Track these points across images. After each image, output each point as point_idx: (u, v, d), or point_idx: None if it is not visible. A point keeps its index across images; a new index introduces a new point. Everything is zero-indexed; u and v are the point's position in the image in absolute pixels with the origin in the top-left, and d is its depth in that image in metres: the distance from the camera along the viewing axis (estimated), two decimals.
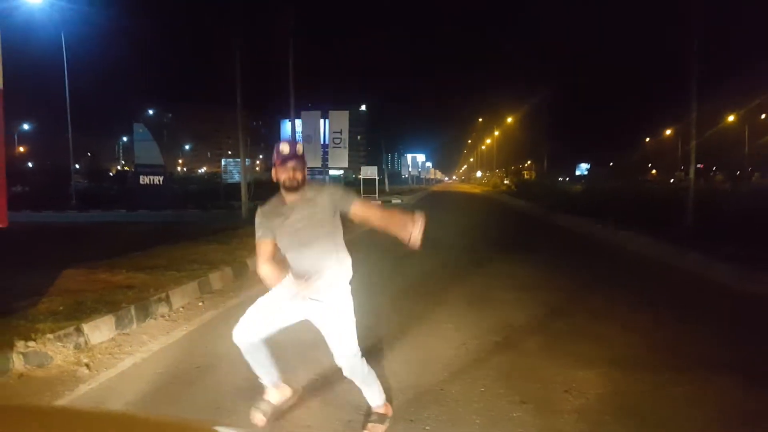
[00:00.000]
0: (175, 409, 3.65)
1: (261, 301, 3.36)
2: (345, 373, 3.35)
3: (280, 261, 3.32)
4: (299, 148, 3.20)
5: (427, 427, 3.44)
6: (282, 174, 3.14)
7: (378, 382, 3.46)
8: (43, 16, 24.76)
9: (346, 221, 3.27)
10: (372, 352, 4.82)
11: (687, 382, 4.20)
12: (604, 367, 4.49)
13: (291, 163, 3.11)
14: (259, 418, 3.38)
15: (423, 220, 3.05)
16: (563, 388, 4.08)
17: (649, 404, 3.81)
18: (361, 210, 3.17)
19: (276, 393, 3.52)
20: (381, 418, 3.40)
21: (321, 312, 3.25)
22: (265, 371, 3.45)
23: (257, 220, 3.27)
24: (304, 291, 3.10)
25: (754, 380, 4.24)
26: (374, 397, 3.43)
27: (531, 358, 4.76)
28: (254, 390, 3.90)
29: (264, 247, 3.24)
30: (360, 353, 3.34)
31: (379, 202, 32.25)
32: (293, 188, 3.15)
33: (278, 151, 3.15)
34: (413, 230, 3.04)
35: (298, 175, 3.13)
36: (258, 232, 3.25)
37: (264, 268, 3.28)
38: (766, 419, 3.62)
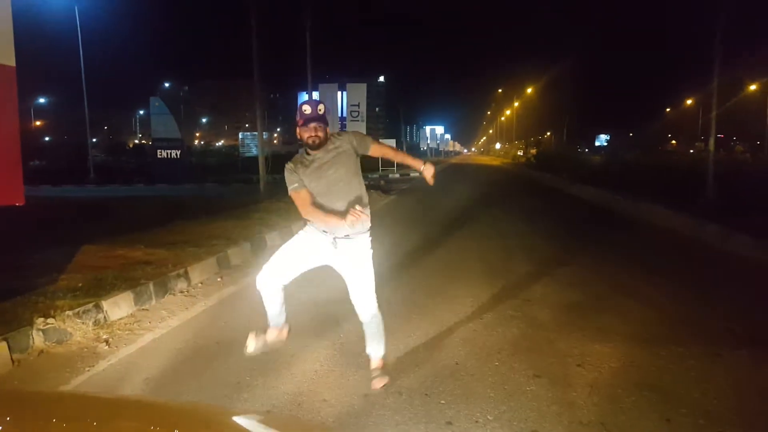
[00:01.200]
0: (195, 385, 3.72)
1: (285, 248, 3.61)
2: (365, 318, 3.62)
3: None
4: (321, 108, 3.43)
5: (442, 401, 3.46)
6: (305, 133, 3.38)
7: (385, 337, 3.72)
8: None
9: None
10: (391, 326, 4.84)
11: (702, 355, 4.18)
12: (618, 341, 4.49)
13: (313, 124, 3.36)
14: (251, 348, 3.65)
15: (433, 168, 3.66)
16: (577, 361, 4.08)
17: (663, 378, 3.80)
18: (378, 149, 3.62)
19: (275, 333, 3.77)
20: (383, 371, 3.65)
21: (347, 255, 3.51)
22: (277, 315, 3.71)
23: (287, 175, 3.46)
24: (356, 222, 3.25)
25: None
26: (380, 349, 3.69)
27: (546, 331, 4.76)
28: (272, 366, 3.98)
29: (301, 196, 3.43)
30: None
31: (392, 144, 32.36)
32: (316, 147, 3.39)
33: (301, 112, 3.40)
34: (425, 171, 3.62)
35: (320, 134, 3.38)
36: (291, 186, 3.44)
37: (308, 210, 3.43)
38: None
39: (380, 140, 3.77)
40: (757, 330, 4.80)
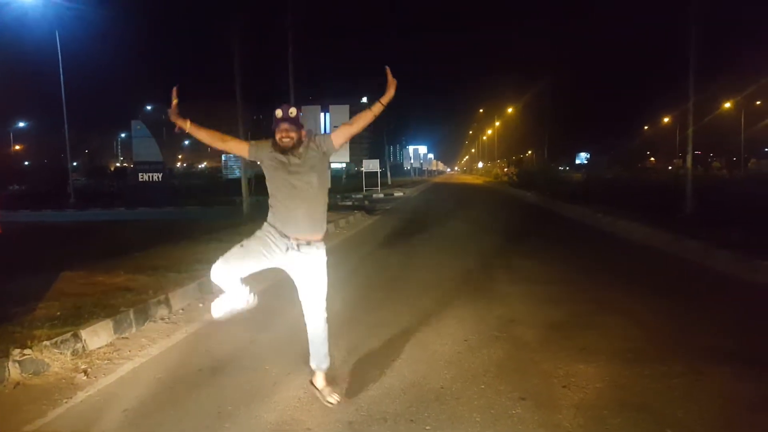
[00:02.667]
0: (175, 415, 3.64)
1: (241, 246, 3.68)
2: (313, 326, 3.77)
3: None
4: (292, 111, 3.57)
5: (428, 427, 3.43)
6: (277, 134, 3.54)
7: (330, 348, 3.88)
8: (36, 14, 24.63)
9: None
10: (375, 349, 4.83)
11: (686, 373, 4.20)
12: (602, 360, 4.49)
13: (284, 125, 3.52)
14: (216, 312, 3.74)
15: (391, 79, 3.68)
16: (563, 382, 4.08)
17: (648, 397, 3.80)
18: (339, 135, 3.74)
19: (243, 303, 3.78)
20: (332, 386, 3.83)
21: (303, 262, 3.64)
22: (238, 295, 3.73)
23: (251, 149, 3.72)
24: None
25: (755, 371, 4.24)
26: (326, 361, 3.84)
27: (531, 352, 4.76)
28: (256, 394, 3.92)
29: (232, 142, 3.85)
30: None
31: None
32: (288, 147, 3.53)
33: (274, 116, 3.58)
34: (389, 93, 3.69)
35: (292, 134, 3.53)
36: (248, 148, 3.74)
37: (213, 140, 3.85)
38: (766, 411, 3.61)
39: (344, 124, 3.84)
40: (738, 346, 4.84)
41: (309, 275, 3.68)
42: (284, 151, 3.55)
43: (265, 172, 3.68)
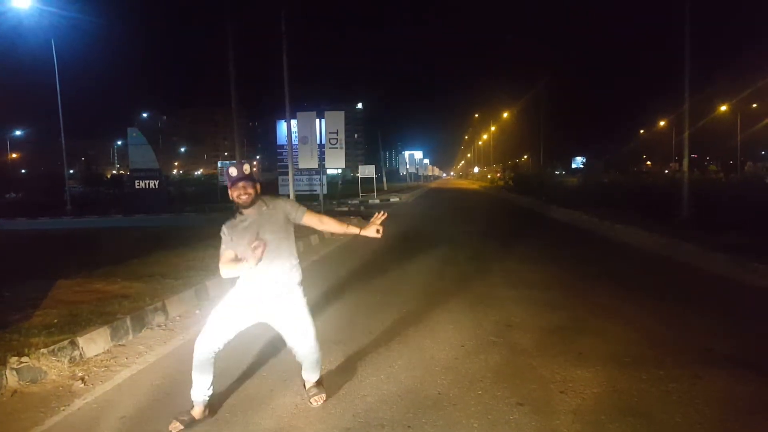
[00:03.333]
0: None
1: (219, 311, 3.67)
2: (308, 359, 3.81)
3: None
4: (246, 168, 3.58)
5: None
6: (234, 192, 3.54)
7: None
8: (32, 22, 24.62)
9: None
10: (372, 354, 4.83)
11: (684, 377, 4.21)
12: (600, 365, 4.50)
13: (241, 183, 3.52)
14: (177, 427, 3.49)
15: (374, 228, 3.71)
16: (560, 388, 4.08)
17: (645, 402, 3.81)
18: (312, 219, 3.74)
19: (201, 411, 3.64)
20: (320, 387, 3.91)
21: (282, 309, 3.66)
22: (205, 388, 3.61)
23: (223, 235, 3.65)
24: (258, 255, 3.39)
25: (753, 374, 4.25)
26: (316, 374, 3.93)
27: (528, 357, 4.76)
28: (252, 401, 3.92)
29: (226, 255, 3.63)
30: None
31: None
32: (247, 204, 3.55)
33: (228, 175, 3.59)
34: (366, 232, 3.73)
35: (250, 191, 3.54)
36: (222, 246, 3.66)
37: (224, 270, 3.63)
38: (762, 414, 3.62)
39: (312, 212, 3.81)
40: (733, 349, 4.85)
41: (294, 320, 3.71)
42: (244, 207, 3.55)
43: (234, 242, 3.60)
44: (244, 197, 3.52)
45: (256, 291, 3.61)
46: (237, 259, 3.55)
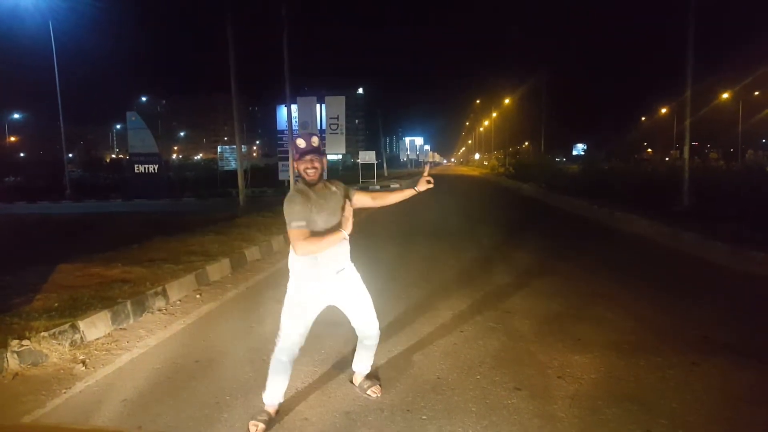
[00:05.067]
0: (173, 405, 3.67)
1: (290, 313, 3.46)
2: (372, 334, 3.73)
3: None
4: (315, 140, 3.40)
5: (424, 417, 3.46)
6: (301, 165, 3.37)
7: None
8: (30, 4, 24.46)
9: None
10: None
11: (681, 364, 4.24)
12: (598, 351, 4.53)
13: (309, 156, 3.36)
14: (257, 426, 3.35)
15: (427, 176, 3.74)
16: (558, 373, 4.11)
17: (642, 388, 3.84)
18: (363, 198, 3.74)
19: (275, 410, 3.52)
20: (374, 379, 3.93)
21: (347, 286, 3.56)
22: (282, 392, 3.51)
23: (295, 208, 3.25)
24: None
25: (749, 362, 4.29)
26: (369, 366, 3.90)
27: (526, 343, 4.79)
28: (253, 384, 3.95)
29: (303, 234, 3.23)
30: None
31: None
32: (314, 178, 3.37)
33: (296, 146, 3.39)
34: (422, 186, 3.74)
35: (317, 164, 3.39)
36: (298, 222, 3.23)
37: (310, 245, 3.25)
38: (759, 402, 3.65)
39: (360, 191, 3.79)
40: (731, 337, 4.87)
41: (357, 294, 3.61)
42: (310, 181, 3.36)
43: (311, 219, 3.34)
44: (311, 171, 3.34)
45: (317, 272, 3.39)
46: (316, 234, 3.29)
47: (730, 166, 31.21)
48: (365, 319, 3.66)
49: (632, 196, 15.59)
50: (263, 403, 3.48)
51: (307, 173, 3.35)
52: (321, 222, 3.34)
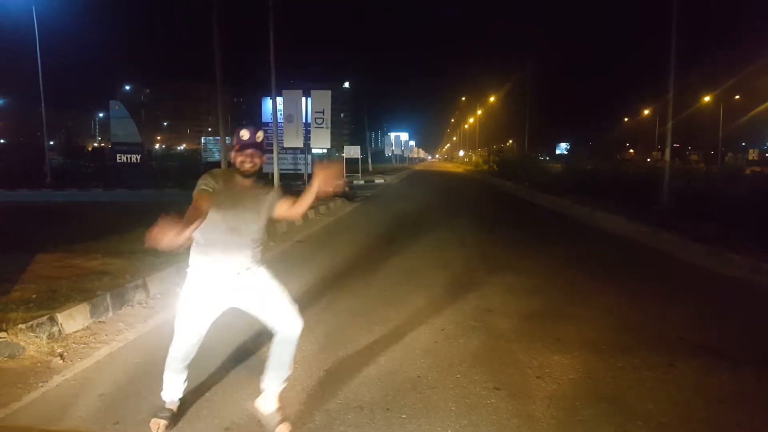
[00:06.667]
0: (151, 400, 3.63)
1: (183, 312, 3.37)
2: (294, 332, 3.32)
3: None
4: (260, 135, 3.23)
5: (403, 416, 3.47)
6: (239, 158, 3.18)
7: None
8: None
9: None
10: (353, 337, 4.85)
11: (656, 365, 4.30)
12: (577, 351, 4.57)
13: (250, 150, 3.18)
14: (160, 424, 3.30)
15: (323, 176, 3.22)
16: (537, 373, 4.14)
17: (619, 389, 3.89)
18: (282, 206, 3.38)
19: (176, 404, 3.47)
20: (285, 411, 3.39)
21: (252, 287, 3.31)
22: (180, 388, 3.44)
23: (208, 180, 3.09)
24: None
25: (724, 363, 4.35)
26: (284, 381, 3.39)
27: (507, 342, 4.82)
28: (233, 379, 3.94)
29: (205, 203, 3.00)
30: None
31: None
32: (250, 174, 3.21)
33: (238, 137, 3.20)
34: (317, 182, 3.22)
35: (257, 160, 3.21)
36: (204, 188, 3.05)
37: (192, 218, 2.97)
38: (733, 402, 3.71)
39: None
40: (707, 339, 4.95)
41: (264, 290, 3.35)
42: (245, 175, 3.20)
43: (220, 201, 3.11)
44: (248, 166, 3.17)
45: (212, 269, 3.24)
46: (218, 231, 3.13)
47: (710, 168, 31.62)
48: (279, 318, 3.32)
49: (614, 195, 15.75)
50: (242, 398, 3.46)
51: (243, 166, 3.17)
52: (225, 213, 3.12)
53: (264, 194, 3.31)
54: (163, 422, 3.30)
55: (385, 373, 4.13)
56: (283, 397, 3.40)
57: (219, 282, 3.26)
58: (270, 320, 3.34)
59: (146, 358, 4.37)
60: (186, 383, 3.46)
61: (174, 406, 3.44)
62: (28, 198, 20.11)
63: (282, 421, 3.29)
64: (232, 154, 3.22)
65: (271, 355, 3.37)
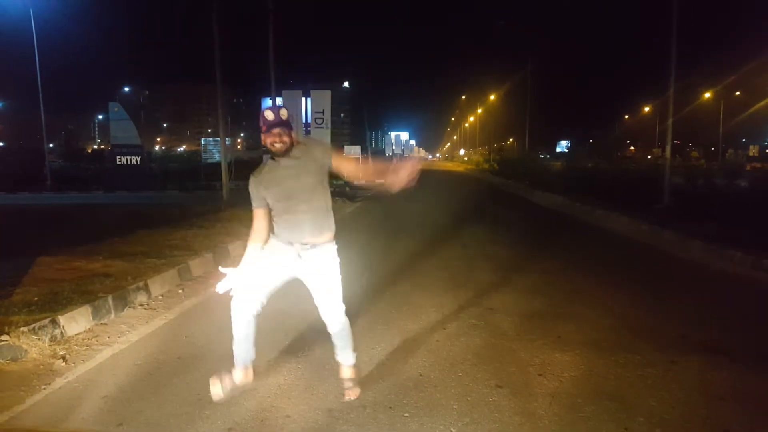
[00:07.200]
0: (155, 402, 3.65)
1: (252, 268, 3.51)
2: (334, 329, 3.63)
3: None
4: (283, 113, 3.34)
5: (406, 414, 3.48)
6: (268, 139, 3.31)
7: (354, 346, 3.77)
8: None
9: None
10: (355, 337, 4.81)
11: (658, 363, 4.30)
12: (579, 349, 4.58)
13: (276, 129, 3.29)
14: (216, 393, 3.47)
15: (408, 171, 3.27)
16: (539, 371, 4.15)
17: (621, 386, 3.89)
18: (342, 163, 3.50)
19: (242, 374, 3.62)
20: (355, 381, 3.74)
21: (313, 264, 3.47)
22: (246, 351, 3.59)
23: (251, 189, 3.47)
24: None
25: (725, 360, 4.35)
26: (350, 358, 3.73)
27: (508, 340, 4.83)
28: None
29: (259, 215, 3.48)
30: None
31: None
32: (281, 153, 3.33)
33: (264, 118, 3.31)
34: (395, 178, 3.27)
35: (285, 138, 3.32)
36: (253, 203, 3.48)
37: (257, 235, 3.50)
38: (734, 399, 3.71)
39: (342, 152, 3.68)
40: (708, 336, 4.96)
41: (319, 277, 3.51)
42: (277, 154, 3.34)
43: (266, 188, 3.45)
44: (278, 145, 3.30)
45: (285, 242, 3.44)
46: (268, 216, 3.47)
47: (710, 165, 31.62)
48: (324, 309, 3.60)
49: (614, 194, 15.75)
50: (244, 399, 3.50)
51: (273, 146, 3.32)
52: (271, 199, 3.41)
53: (301, 159, 3.38)
54: (218, 390, 3.47)
55: (388, 372, 4.13)
56: (356, 368, 3.78)
57: (286, 255, 3.45)
58: (319, 308, 3.62)
59: (149, 360, 4.39)
60: (253, 350, 3.64)
61: (238, 376, 3.59)
62: (29, 201, 20.14)
63: (352, 387, 3.67)
64: (262, 137, 3.35)
65: (333, 339, 3.71)
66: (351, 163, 3.69)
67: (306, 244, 3.43)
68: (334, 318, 3.61)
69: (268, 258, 3.52)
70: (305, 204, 3.38)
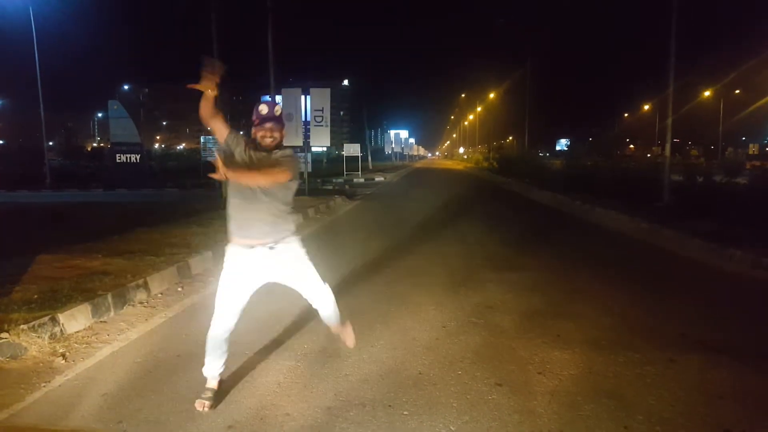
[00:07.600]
0: (154, 400, 3.65)
1: (221, 286, 3.54)
2: (327, 311, 3.85)
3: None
4: (278, 109, 3.33)
5: (405, 412, 3.48)
6: (258, 133, 3.28)
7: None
8: None
9: None
10: (355, 335, 4.84)
11: (657, 361, 4.30)
12: (578, 347, 4.58)
13: (269, 124, 3.28)
14: (203, 404, 3.47)
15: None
16: (538, 369, 4.15)
17: (620, 384, 3.89)
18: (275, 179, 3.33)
19: (217, 382, 3.65)
20: (345, 328, 4.14)
21: (285, 258, 3.47)
22: (218, 364, 3.61)
23: (228, 136, 3.38)
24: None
25: (724, 359, 4.36)
26: (337, 319, 4.00)
27: (508, 339, 4.83)
28: (235, 379, 3.94)
29: (223, 125, 3.38)
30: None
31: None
32: (271, 149, 3.30)
33: (257, 111, 3.30)
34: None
35: (276, 134, 3.31)
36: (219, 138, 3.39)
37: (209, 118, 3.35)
38: (733, 398, 3.72)
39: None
40: (707, 334, 4.96)
41: (296, 267, 3.56)
42: (264, 150, 3.30)
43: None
44: (268, 140, 3.28)
45: (248, 242, 3.38)
46: (234, 204, 3.35)
47: (710, 163, 31.61)
48: (311, 294, 3.74)
49: (614, 192, 15.74)
50: (244, 396, 3.50)
51: (264, 140, 3.27)
52: (246, 189, 3.29)
53: (279, 163, 3.29)
54: (207, 402, 3.45)
55: (387, 370, 4.14)
56: (343, 326, 4.14)
57: (254, 260, 3.40)
58: (306, 295, 3.74)
59: (148, 358, 4.39)
60: (224, 362, 3.63)
61: (215, 384, 3.59)
62: (28, 199, 20.11)
63: (343, 330, 4.09)
64: (252, 129, 3.31)
65: (325, 321, 3.99)
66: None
67: (266, 244, 3.38)
68: (324, 297, 3.76)
69: (236, 269, 3.47)
70: (265, 205, 3.31)
